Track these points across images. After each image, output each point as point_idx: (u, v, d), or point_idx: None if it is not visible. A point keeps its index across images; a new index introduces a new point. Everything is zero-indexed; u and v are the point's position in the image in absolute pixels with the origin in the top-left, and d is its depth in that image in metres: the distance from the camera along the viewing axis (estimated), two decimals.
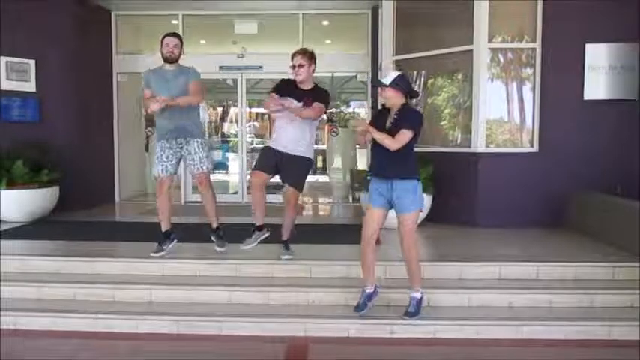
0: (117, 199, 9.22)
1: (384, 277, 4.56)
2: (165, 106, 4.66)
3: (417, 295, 4.12)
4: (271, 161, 4.73)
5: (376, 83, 3.96)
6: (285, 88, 4.70)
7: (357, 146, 3.83)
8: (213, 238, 5.08)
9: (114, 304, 4.46)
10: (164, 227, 5.03)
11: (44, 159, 6.95)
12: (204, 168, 4.96)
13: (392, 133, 3.90)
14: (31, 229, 6.36)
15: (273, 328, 4.17)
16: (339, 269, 4.77)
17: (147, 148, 10.69)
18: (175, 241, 5.06)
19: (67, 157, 7.40)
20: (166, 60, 4.87)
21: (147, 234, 5.96)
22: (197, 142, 4.92)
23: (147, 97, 4.84)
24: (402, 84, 3.97)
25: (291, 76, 4.73)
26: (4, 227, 6.38)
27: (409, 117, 3.97)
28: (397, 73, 4.07)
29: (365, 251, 4.10)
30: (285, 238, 4.93)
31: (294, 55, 4.67)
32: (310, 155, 4.83)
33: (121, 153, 9.27)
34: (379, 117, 4.13)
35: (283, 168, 4.73)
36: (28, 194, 6.66)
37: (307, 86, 4.70)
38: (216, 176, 10.58)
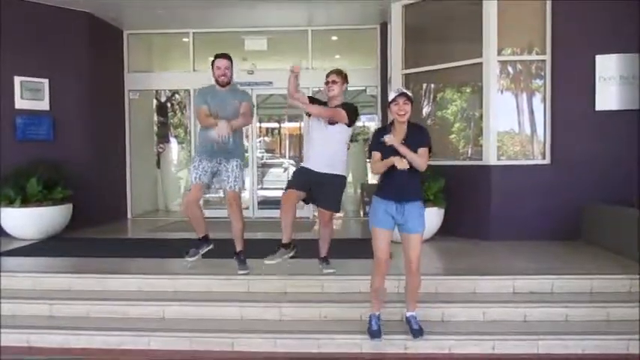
0: (129, 215, 9.27)
1: (396, 291, 4.51)
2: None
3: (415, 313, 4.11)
4: (305, 181, 4.73)
5: (406, 94, 3.85)
6: (314, 102, 4.83)
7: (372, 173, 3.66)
8: (235, 260, 5.02)
9: (126, 321, 4.46)
10: (201, 233, 5.08)
11: (57, 177, 7.02)
12: (237, 187, 4.94)
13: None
14: (44, 247, 6.39)
15: (287, 345, 4.14)
16: (352, 284, 4.74)
17: (159, 165, 10.78)
18: (212, 246, 5.12)
19: (79, 175, 7.49)
20: (219, 84, 4.88)
21: (159, 251, 6.00)
22: (236, 161, 4.93)
23: (205, 113, 4.80)
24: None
25: (319, 96, 4.88)
26: (17, 245, 6.43)
27: (423, 134, 3.94)
28: (402, 88, 3.99)
29: (382, 277, 4.03)
30: (323, 254, 4.97)
31: (329, 74, 4.80)
32: (345, 172, 4.87)
33: (133, 170, 9.35)
34: (383, 135, 3.90)
35: (318, 188, 4.72)
36: (41, 212, 6.72)
37: (336, 103, 4.76)
38: None
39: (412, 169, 3.80)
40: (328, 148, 4.70)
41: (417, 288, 4.04)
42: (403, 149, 3.79)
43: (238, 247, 5.03)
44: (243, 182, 5.09)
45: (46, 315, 4.58)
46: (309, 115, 4.83)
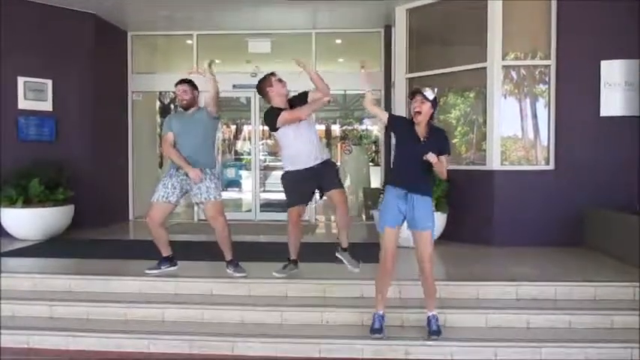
0: (131, 217, 9.26)
1: (399, 297, 4.49)
2: (180, 136, 4.76)
3: (436, 312, 4.06)
4: (302, 188, 4.69)
5: (422, 93, 3.87)
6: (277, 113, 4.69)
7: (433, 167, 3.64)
8: (229, 270, 4.92)
9: (126, 324, 4.44)
10: (165, 253, 4.99)
11: (59, 177, 7.02)
12: (212, 197, 4.80)
13: (425, 148, 3.81)
14: (45, 247, 6.38)
15: (287, 349, 4.11)
16: (354, 289, 4.70)
17: (161, 166, 10.77)
18: (176, 267, 5.01)
19: (82, 176, 7.48)
20: (182, 107, 4.93)
21: (160, 253, 5.96)
22: (206, 174, 4.80)
23: (169, 140, 4.84)
24: (436, 105, 3.96)
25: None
26: (19, 245, 6.42)
27: (445, 139, 4.01)
28: (433, 93, 3.99)
29: (388, 277, 4.02)
30: (345, 245, 4.80)
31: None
32: (330, 156, 4.90)
33: (136, 171, 9.34)
34: (407, 126, 3.98)
35: (317, 180, 4.68)
36: (43, 212, 6.71)
37: (283, 104, 4.71)
38: (229, 194, 10.61)
39: (426, 165, 3.84)
40: (312, 142, 4.67)
41: (433, 287, 4.02)
42: (441, 163, 3.84)
43: (228, 257, 4.96)
44: (219, 190, 4.90)
45: (45, 316, 4.56)
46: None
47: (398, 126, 4.11)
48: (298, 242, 4.85)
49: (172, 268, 5.00)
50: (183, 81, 4.95)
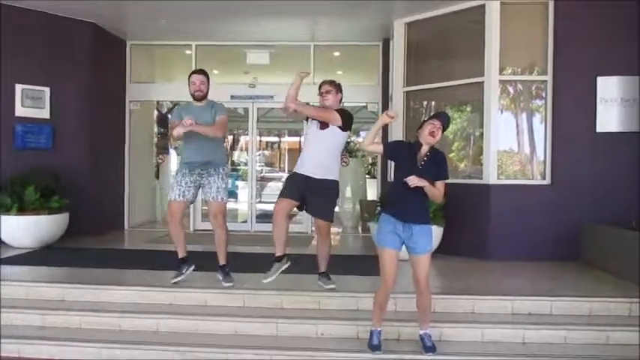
0: (126, 226, 9.22)
1: (394, 310, 4.47)
2: (190, 133, 4.67)
3: (429, 330, 4.05)
4: (298, 188, 4.68)
5: (442, 121, 3.86)
6: None
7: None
8: (219, 276, 4.95)
9: (119, 334, 4.39)
10: (181, 254, 5.00)
11: (55, 185, 6.99)
12: (220, 198, 4.89)
13: (422, 173, 3.77)
14: (39, 255, 6.34)
15: None
16: (349, 301, 4.68)
17: (157, 176, 10.75)
18: (193, 267, 5.03)
19: (77, 184, 7.45)
20: (195, 98, 4.91)
21: (155, 262, 5.94)
22: (218, 172, 4.89)
23: (174, 126, 4.81)
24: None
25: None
26: (13, 253, 6.38)
27: (443, 164, 3.92)
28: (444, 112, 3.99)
29: (387, 296, 3.98)
30: (323, 269, 4.88)
31: (322, 84, 4.82)
32: (338, 178, 4.81)
33: (132, 180, 9.32)
34: (406, 150, 3.94)
35: (311, 197, 4.67)
36: (38, 220, 6.67)
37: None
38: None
39: (421, 193, 3.79)
40: (320, 152, 4.66)
41: (429, 306, 4.01)
42: (426, 185, 3.74)
43: (222, 261, 4.97)
44: (227, 193, 5.00)
45: (38, 325, 4.51)
46: (306, 119, 4.82)
47: (396, 152, 4.03)
48: (283, 236, 4.69)
49: (192, 268, 5.03)
50: (200, 71, 4.97)
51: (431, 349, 3.98)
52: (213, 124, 4.81)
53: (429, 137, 3.83)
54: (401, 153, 3.96)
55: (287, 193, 4.69)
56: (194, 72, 4.98)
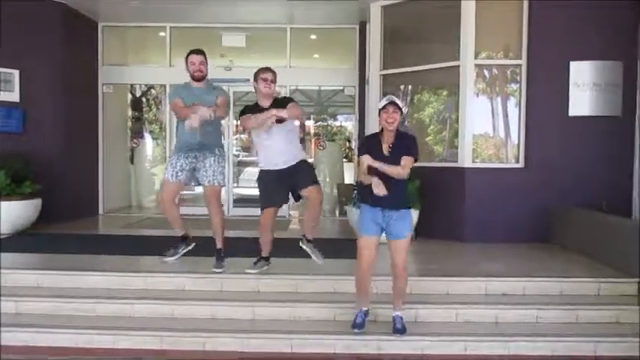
0: (101, 211, 9.10)
1: (375, 292, 4.50)
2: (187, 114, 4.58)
3: (403, 313, 4.12)
4: (275, 188, 4.67)
5: (396, 104, 3.88)
6: (253, 111, 4.66)
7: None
8: (215, 259, 4.94)
9: (94, 319, 4.37)
10: (181, 232, 5.01)
11: (27, 170, 6.84)
12: (215, 182, 4.84)
13: (391, 160, 3.84)
14: (12, 242, 6.22)
15: (259, 345, 4.11)
16: (326, 284, 4.72)
17: (132, 161, 10.60)
18: (193, 245, 5.04)
19: (50, 169, 7.32)
20: (195, 79, 4.82)
21: (130, 247, 5.89)
22: (214, 155, 4.84)
23: (180, 105, 4.70)
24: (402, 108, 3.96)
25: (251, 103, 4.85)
26: None
27: (409, 144, 3.95)
28: (393, 97, 3.98)
29: (364, 281, 4.05)
30: (310, 237, 4.82)
31: (264, 71, 4.69)
32: (305, 157, 4.84)
33: (106, 165, 9.17)
34: (372, 144, 3.99)
35: (292, 179, 4.65)
36: (9, 206, 6.53)
37: (269, 102, 4.68)
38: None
39: (394, 179, 3.84)
40: (282, 142, 4.62)
41: (404, 289, 4.09)
42: (378, 164, 3.83)
43: (218, 244, 4.97)
44: (223, 176, 4.97)
45: (12, 312, 4.45)
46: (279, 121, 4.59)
47: (369, 149, 4.00)
48: (270, 241, 4.85)
49: (189, 248, 5.03)
50: (199, 51, 4.85)
51: (400, 330, 4.06)
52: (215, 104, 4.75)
53: (389, 126, 3.89)
54: (370, 147, 3.99)
55: (267, 202, 4.72)
56: (192, 52, 4.83)
